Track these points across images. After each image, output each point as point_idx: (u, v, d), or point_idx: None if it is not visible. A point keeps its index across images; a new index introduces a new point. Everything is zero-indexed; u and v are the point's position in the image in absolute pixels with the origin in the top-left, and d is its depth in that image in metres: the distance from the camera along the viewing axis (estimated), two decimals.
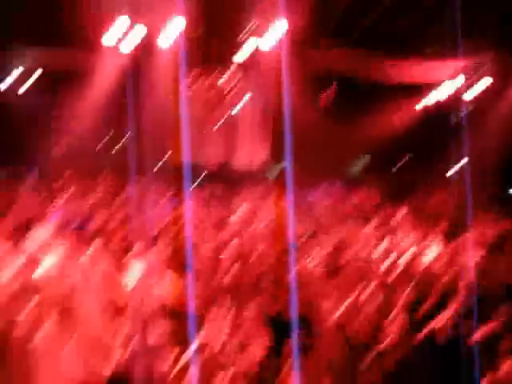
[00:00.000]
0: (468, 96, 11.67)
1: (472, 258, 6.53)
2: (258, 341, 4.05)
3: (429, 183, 12.12)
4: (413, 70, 11.29)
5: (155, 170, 13.37)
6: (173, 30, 9.16)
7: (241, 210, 9.06)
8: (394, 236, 7.68)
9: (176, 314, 4.92)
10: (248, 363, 3.85)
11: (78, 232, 7.19)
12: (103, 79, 11.54)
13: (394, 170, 14.43)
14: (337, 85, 12.55)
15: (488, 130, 11.30)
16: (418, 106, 12.83)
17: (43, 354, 3.92)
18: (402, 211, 9.66)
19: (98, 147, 13.76)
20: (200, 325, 4.27)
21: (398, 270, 6.29)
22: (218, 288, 5.29)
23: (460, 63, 11.02)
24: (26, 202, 8.65)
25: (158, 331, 3.76)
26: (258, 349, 3.97)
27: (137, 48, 10.24)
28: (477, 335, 4.38)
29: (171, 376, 3.55)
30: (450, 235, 8.15)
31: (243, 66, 9.48)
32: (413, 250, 7.01)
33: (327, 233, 7.90)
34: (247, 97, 12.47)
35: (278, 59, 9.22)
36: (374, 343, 4.40)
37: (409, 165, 14.66)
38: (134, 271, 5.29)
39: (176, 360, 3.60)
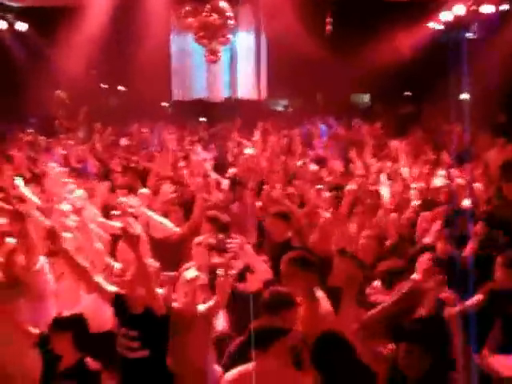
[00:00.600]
0: (472, 21, 11.19)
1: (476, 185, 6.57)
2: (261, 265, 4.13)
3: (433, 114, 11.91)
4: None
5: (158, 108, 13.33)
6: None
7: (247, 143, 8.99)
8: (398, 165, 7.70)
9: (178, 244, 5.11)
10: (253, 286, 3.96)
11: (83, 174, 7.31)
12: (98, 15, 11.24)
13: (396, 102, 14.15)
14: (336, 10, 12.04)
15: (493, 57, 10.90)
16: (420, 32, 12.32)
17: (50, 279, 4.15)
18: (406, 142, 9.62)
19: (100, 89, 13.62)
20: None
21: (402, 196, 6.34)
22: (226, 219, 5.32)
23: None
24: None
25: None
26: (262, 273, 4.06)
27: None
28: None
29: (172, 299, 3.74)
30: (454, 164, 8.16)
31: None
32: (416, 178, 7.06)
33: (331, 163, 7.88)
34: (247, 27, 12.17)
35: None
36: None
37: (412, 96, 14.40)
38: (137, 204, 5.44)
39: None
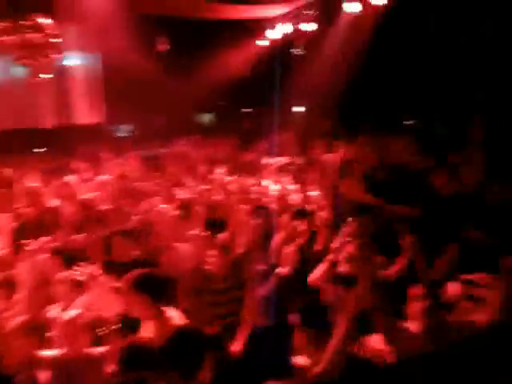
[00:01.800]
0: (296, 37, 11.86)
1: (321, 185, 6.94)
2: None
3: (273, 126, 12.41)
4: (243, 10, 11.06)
5: None
6: None
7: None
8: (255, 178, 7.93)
9: None
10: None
11: None
12: None
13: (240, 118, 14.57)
14: (169, 30, 11.97)
15: (317, 71, 11.70)
16: (252, 49, 12.84)
17: None
18: (252, 155, 9.93)
19: None
20: None
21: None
22: None
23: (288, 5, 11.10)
24: None
25: None
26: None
27: None
28: None
29: None
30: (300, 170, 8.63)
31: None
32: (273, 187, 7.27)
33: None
34: (77, 47, 11.42)
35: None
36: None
37: (252, 111, 14.92)
38: None
39: None
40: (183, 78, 12.05)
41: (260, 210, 5.71)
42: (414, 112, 11.77)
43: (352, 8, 10.14)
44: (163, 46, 11.26)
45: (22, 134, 11.93)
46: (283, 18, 11.34)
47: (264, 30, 12.03)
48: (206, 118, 16.08)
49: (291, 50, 12.17)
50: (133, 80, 11.43)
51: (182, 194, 6.91)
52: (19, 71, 9.67)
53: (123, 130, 14.62)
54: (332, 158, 8.79)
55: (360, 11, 10.17)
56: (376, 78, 11.22)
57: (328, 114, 12.04)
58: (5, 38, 7.24)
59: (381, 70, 11.08)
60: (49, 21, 7.39)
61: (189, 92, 12.46)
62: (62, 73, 11.46)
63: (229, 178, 7.74)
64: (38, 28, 7.34)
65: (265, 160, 9.00)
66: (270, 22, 11.69)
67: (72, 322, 3.36)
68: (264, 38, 12.17)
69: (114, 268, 4.66)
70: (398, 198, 5.96)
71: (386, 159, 8.16)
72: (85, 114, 12.30)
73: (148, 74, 11.45)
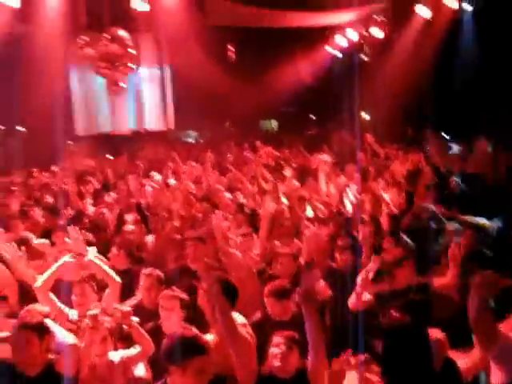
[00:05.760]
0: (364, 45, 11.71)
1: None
2: None
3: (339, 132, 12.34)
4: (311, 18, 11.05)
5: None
6: None
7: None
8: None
9: None
10: None
11: None
12: None
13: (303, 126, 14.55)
14: (238, 38, 12.21)
15: (386, 77, 11.50)
16: (318, 56, 12.83)
17: None
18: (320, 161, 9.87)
19: None
20: None
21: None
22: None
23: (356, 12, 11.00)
24: None
25: None
26: None
27: None
28: None
29: None
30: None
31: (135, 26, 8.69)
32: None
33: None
34: (150, 57, 11.86)
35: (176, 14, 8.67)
36: None
37: (317, 118, 14.90)
38: None
39: None
40: (249, 85, 12.24)
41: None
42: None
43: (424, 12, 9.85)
44: (232, 54, 11.46)
45: (100, 139, 12.64)
46: (351, 25, 11.27)
47: (331, 36, 12.01)
48: (272, 124, 16.22)
49: (359, 56, 12.04)
50: (200, 88, 11.75)
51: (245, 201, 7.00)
52: (99, 81, 10.17)
53: (192, 136, 15.05)
54: (399, 165, 8.60)
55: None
56: (447, 84, 10.88)
57: (398, 120, 11.82)
58: (87, 50, 7.66)
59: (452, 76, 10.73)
60: (126, 33, 7.75)
61: (254, 99, 12.64)
62: (136, 82, 11.99)
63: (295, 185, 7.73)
64: (116, 39, 7.71)
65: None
66: (337, 29, 11.65)
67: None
68: (330, 44, 12.15)
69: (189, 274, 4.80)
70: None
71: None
72: (156, 120, 12.79)
73: (215, 83, 11.71)
